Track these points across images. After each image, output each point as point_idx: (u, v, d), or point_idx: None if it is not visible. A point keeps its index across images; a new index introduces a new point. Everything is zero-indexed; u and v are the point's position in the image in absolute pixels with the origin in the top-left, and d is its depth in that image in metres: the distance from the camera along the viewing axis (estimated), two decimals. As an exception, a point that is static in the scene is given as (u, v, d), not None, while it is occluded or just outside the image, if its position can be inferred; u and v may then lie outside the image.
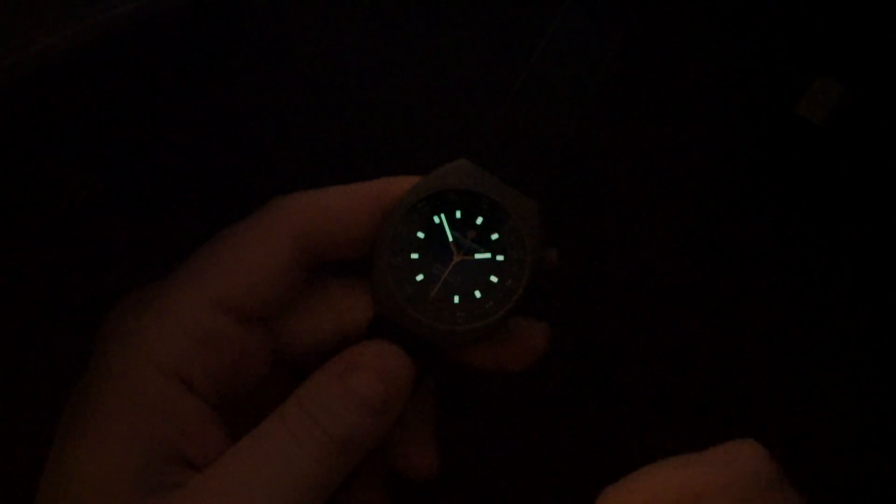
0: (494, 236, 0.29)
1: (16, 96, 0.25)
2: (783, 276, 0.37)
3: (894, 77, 0.37)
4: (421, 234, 0.29)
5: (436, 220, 0.29)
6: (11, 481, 0.32)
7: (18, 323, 0.33)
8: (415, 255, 0.29)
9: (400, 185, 0.29)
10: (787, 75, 0.37)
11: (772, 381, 0.37)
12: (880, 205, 0.37)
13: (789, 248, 0.37)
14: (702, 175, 0.37)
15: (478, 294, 0.29)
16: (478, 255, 0.29)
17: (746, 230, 0.37)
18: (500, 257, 0.29)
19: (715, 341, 0.37)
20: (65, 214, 0.33)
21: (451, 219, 0.29)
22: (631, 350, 0.37)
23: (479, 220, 0.29)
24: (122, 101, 0.33)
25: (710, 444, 0.36)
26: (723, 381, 0.37)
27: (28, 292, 0.33)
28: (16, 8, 0.24)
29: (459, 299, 0.29)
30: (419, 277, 0.29)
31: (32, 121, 0.29)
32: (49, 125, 0.30)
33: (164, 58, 0.33)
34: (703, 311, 0.37)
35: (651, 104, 0.37)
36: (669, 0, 0.37)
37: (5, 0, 0.24)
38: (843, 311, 0.37)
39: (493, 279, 0.29)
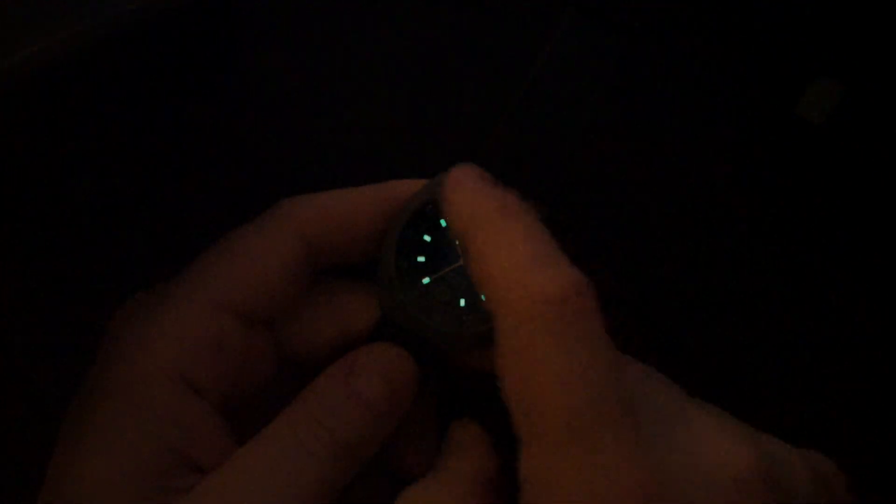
0: None
1: (16, 96, 0.25)
2: (783, 276, 0.37)
3: (894, 77, 0.37)
4: (427, 238, 0.29)
5: (442, 223, 0.29)
6: (13, 485, 0.32)
7: (21, 325, 0.33)
8: (420, 259, 0.29)
9: (406, 189, 0.29)
10: (787, 75, 0.37)
11: (772, 379, 0.37)
12: (880, 205, 0.37)
13: (789, 247, 0.37)
14: (703, 176, 0.37)
15: (483, 297, 0.29)
16: None
17: (747, 230, 0.37)
18: None
19: (716, 341, 0.37)
20: (68, 216, 0.32)
21: None
22: (633, 351, 0.37)
23: None
24: (123, 101, 0.32)
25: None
26: (724, 381, 0.37)
27: (31, 294, 0.33)
28: (16, 8, 0.24)
29: (465, 302, 0.29)
30: (425, 280, 0.29)
31: (33, 121, 0.29)
32: (50, 125, 0.30)
33: (165, 58, 0.33)
34: (704, 312, 0.37)
35: (652, 106, 0.37)
36: (669, 1, 0.37)
37: (5, 0, 0.24)
38: (843, 310, 0.37)
39: None
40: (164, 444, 0.25)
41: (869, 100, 0.37)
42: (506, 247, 0.24)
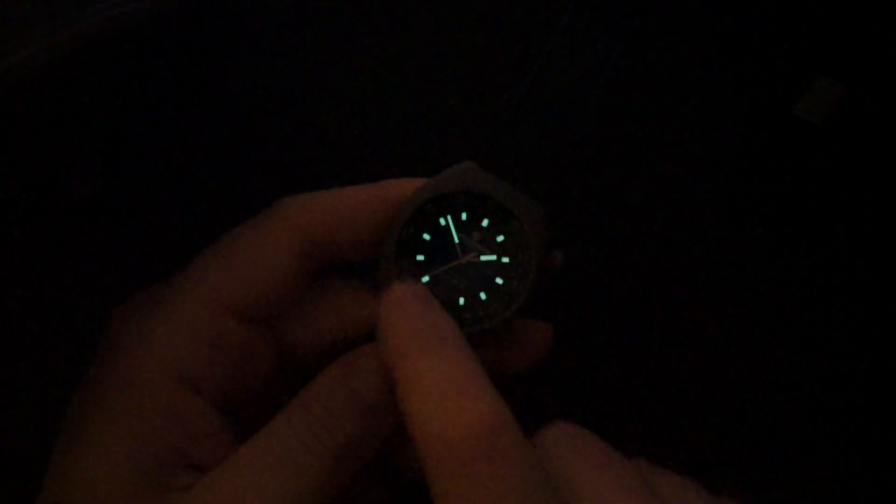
0: (500, 238, 0.29)
1: (17, 96, 0.25)
2: (783, 275, 0.37)
3: (894, 77, 0.37)
4: (427, 236, 0.29)
5: (442, 222, 0.29)
6: (13, 484, 0.32)
7: (21, 323, 0.33)
8: (420, 257, 0.29)
9: (406, 187, 0.29)
10: (787, 75, 0.38)
11: (770, 379, 0.37)
12: (880, 204, 0.37)
13: (789, 247, 0.37)
14: (703, 176, 0.37)
15: (483, 296, 0.29)
16: (483, 257, 0.29)
17: (747, 229, 0.37)
18: (505, 259, 0.29)
19: (715, 341, 0.37)
20: (67, 215, 0.32)
21: (456, 221, 0.29)
22: (634, 351, 0.37)
23: (485, 223, 0.29)
24: (123, 100, 0.32)
25: (711, 443, 0.37)
26: (723, 380, 0.37)
27: (30, 293, 0.33)
28: (16, 8, 0.24)
29: (465, 301, 0.29)
30: (425, 279, 0.29)
31: (33, 121, 0.29)
32: (50, 125, 0.30)
33: (164, 57, 0.33)
34: (704, 312, 0.37)
35: (653, 105, 0.37)
36: (670, 2, 0.37)
37: (5, 0, 0.24)
38: (842, 310, 0.37)
39: (499, 281, 0.29)
40: (163, 442, 0.25)
41: (869, 100, 0.37)
42: (428, 379, 0.24)
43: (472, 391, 0.24)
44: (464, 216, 0.29)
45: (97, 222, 0.33)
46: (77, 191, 0.33)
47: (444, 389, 0.24)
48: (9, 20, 0.24)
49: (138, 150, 0.34)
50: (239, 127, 0.36)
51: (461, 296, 0.29)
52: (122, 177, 0.34)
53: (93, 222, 0.33)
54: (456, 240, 0.29)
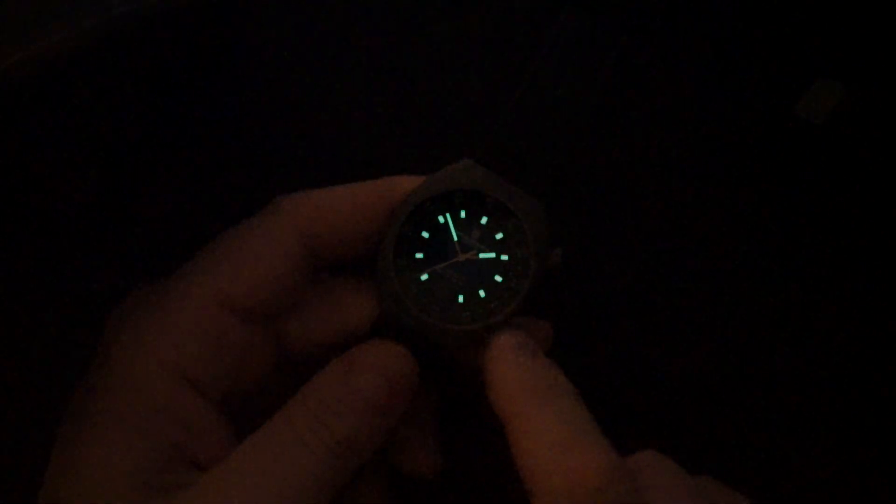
0: (499, 236, 0.29)
1: (17, 96, 0.25)
2: (783, 276, 0.37)
3: (894, 77, 0.37)
4: (426, 234, 0.29)
5: (441, 219, 0.29)
6: (13, 483, 0.32)
7: (20, 323, 0.33)
8: (419, 255, 0.29)
9: (405, 185, 0.29)
10: (787, 75, 0.38)
11: (769, 379, 0.37)
12: (880, 205, 0.37)
13: (789, 248, 0.37)
14: (703, 175, 0.37)
15: (482, 293, 0.29)
16: (482, 255, 0.29)
17: (746, 230, 0.37)
18: (504, 257, 0.29)
19: (714, 342, 0.37)
20: (65, 214, 0.32)
21: (455, 219, 0.29)
22: (632, 350, 0.37)
23: (484, 220, 0.29)
24: (122, 100, 0.32)
25: (710, 442, 0.37)
26: (721, 380, 0.37)
27: (30, 292, 0.33)
28: (17, 8, 0.24)
29: (464, 299, 0.29)
30: (424, 277, 0.29)
31: (33, 120, 0.29)
32: (50, 125, 0.30)
33: (165, 57, 0.33)
34: (703, 312, 0.37)
35: (652, 104, 0.37)
36: (669, 2, 0.37)
37: (6, 0, 0.24)
38: (843, 311, 0.37)
39: (498, 279, 0.29)
40: (163, 440, 0.25)
41: (869, 100, 0.37)
42: (544, 429, 0.25)
43: (586, 442, 0.25)
44: (463, 214, 0.29)
45: (97, 222, 0.33)
46: (76, 191, 0.33)
47: (559, 440, 0.25)
48: (9, 20, 0.24)
49: (138, 149, 0.34)
50: (238, 126, 0.36)
51: (460, 293, 0.29)
52: (123, 177, 0.34)
53: (93, 222, 0.33)
54: (455, 237, 0.29)
